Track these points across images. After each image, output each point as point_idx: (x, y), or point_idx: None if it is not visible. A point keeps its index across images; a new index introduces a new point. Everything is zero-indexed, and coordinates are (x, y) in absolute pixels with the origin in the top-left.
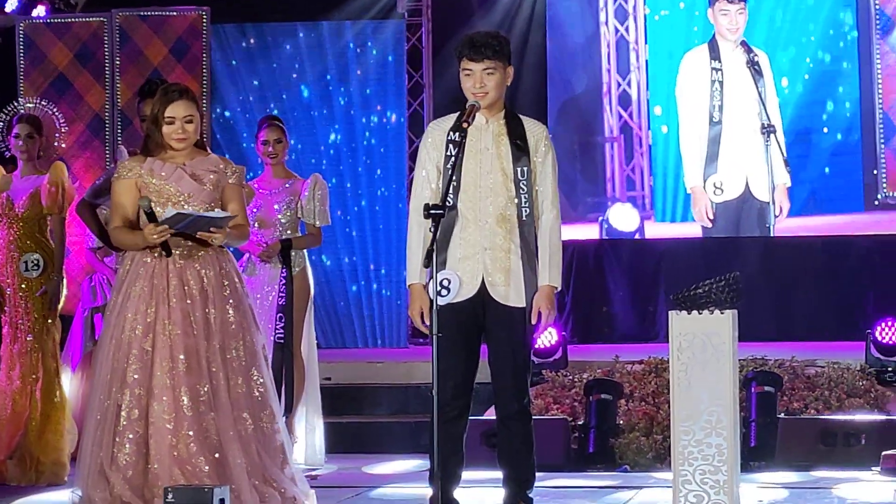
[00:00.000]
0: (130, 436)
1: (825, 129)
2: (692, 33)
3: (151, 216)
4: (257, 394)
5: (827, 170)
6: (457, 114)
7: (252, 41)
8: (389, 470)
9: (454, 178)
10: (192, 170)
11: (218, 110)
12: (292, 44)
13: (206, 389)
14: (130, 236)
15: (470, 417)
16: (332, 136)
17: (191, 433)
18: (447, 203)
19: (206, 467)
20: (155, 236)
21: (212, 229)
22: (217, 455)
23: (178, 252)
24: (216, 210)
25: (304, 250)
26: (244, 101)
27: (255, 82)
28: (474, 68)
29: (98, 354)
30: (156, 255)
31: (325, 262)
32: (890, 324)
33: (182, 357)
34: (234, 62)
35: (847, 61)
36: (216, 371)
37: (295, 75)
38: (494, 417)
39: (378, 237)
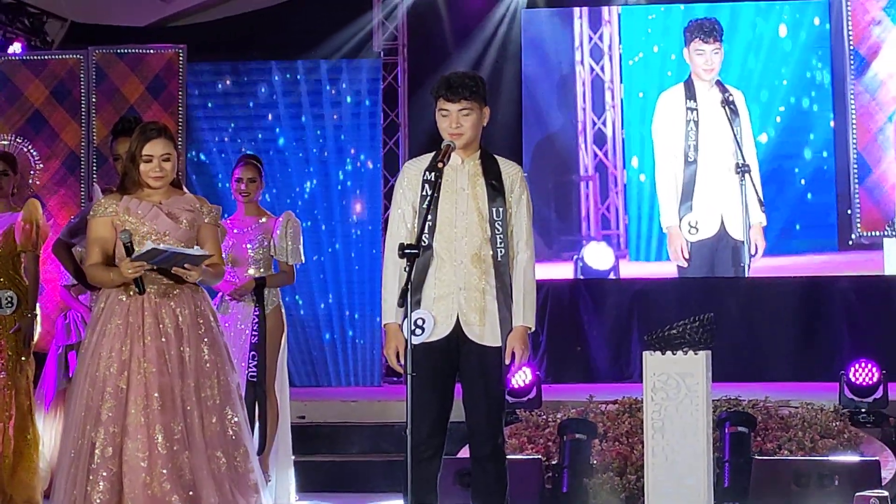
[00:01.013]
0: (104, 473)
1: (799, 169)
2: (667, 75)
3: (130, 250)
4: (231, 432)
5: (801, 209)
6: (432, 153)
7: (228, 82)
8: None
9: (430, 217)
10: (169, 208)
11: (193, 153)
12: (268, 83)
13: (180, 428)
14: (106, 273)
15: (444, 456)
16: (308, 184)
17: (164, 471)
18: (422, 243)
19: None
20: (130, 271)
21: (187, 266)
22: (191, 493)
23: (153, 290)
24: (195, 248)
25: (278, 288)
26: (220, 141)
27: (231, 125)
28: (451, 109)
29: (72, 392)
30: (131, 293)
31: (299, 301)
32: (864, 365)
33: (157, 395)
34: (209, 104)
35: (820, 103)
36: (190, 409)
37: (270, 116)
38: (468, 456)
39: (352, 278)
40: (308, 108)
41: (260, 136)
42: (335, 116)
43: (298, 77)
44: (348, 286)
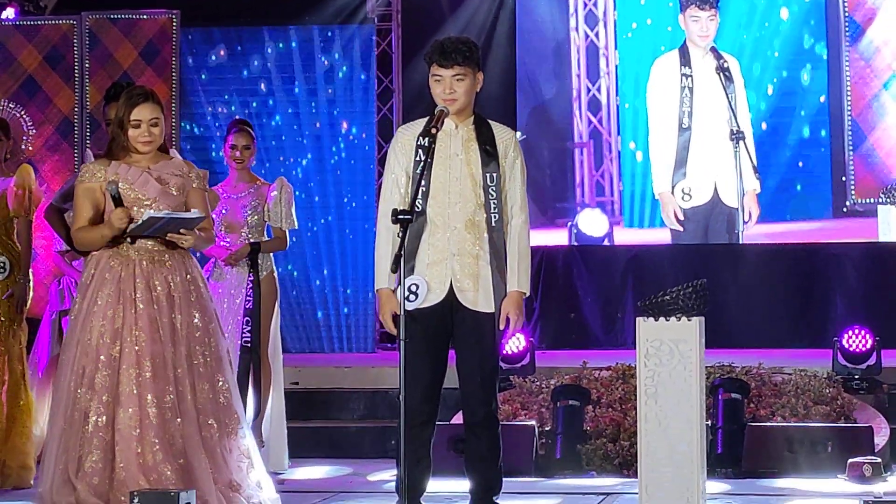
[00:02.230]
0: (97, 442)
1: (793, 136)
2: (661, 42)
3: (118, 201)
4: (223, 399)
5: (795, 176)
6: (425, 119)
7: (222, 53)
8: (356, 475)
9: (423, 183)
10: (158, 174)
11: (186, 123)
12: (260, 50)
13: (171, 396)
14: (95, 232)
15: (437, 423)
16: (303, 159)
17: (156, 441)
18: (416, 208)
19: (171, 474)
20: (122, 218)
21: (182, 231)
22: (182, 461)
23: (145, 257)
24: (192, 211)
25: (271, 254)
26: (213, 113)
27: (225, 96)
28: (444, 74)
29: (63, 360)
30: (122, 253)
31: (291, 269)
32: (857, 331)
33: (148, 364)
34: (203, 76)
35: (816, 67)
36: (182, 377)
37: (263, 85)
38: (462, 423)
39: (345, 244)
40: (301, 76)
41: (254, 104)
42: (328, 85)
43: (291, 44)
44: (341, 252)
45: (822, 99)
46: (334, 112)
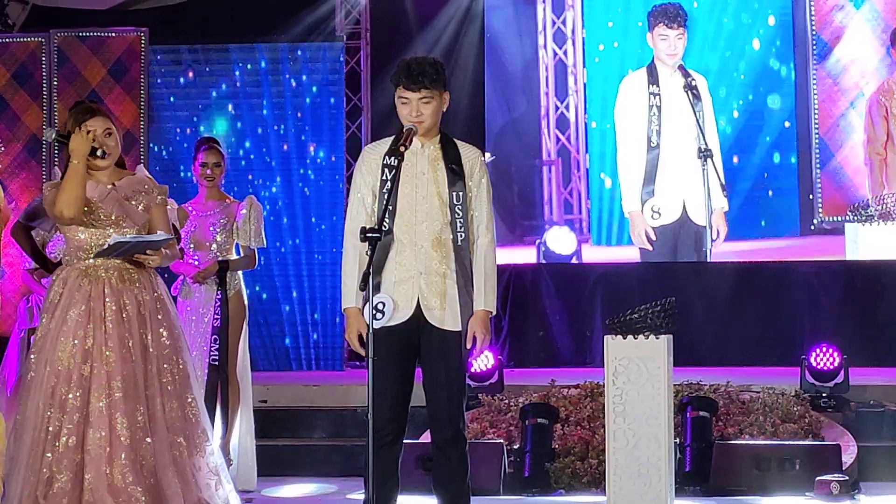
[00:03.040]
0: (66, 462)
1: (760, 155)
2: (630, 58)
3: (63, 138)
4: (191, 416)
5: (763, 195)
6: (391, 137)
7: (190, 74)
8: (325, 493)
9: (390, 202)
10: (123, 192)
11: (154, 145)
12: (228, 72)
13: (142, 415)
14: (64, 181)
15: (405, 441)
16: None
17: (126, 462)
18: (383, 227)
19: (141, 497)
20: (79, 139)
21: (148, 252)
22: (152, 480)
23: (114, 275)
24: (158, 233)
25: (240, 273)
26: (182, 133)
27: (194, 118)
28: (411, 97)
29: (30, 380)
30: (90, 274)
31: (258, 288)
32: (825, 349)
33: (118, 383)
34: (171, 98)
35: (783, 86)
36: (152, 395)
37: (230, 107)
38: (430, 441)
39: (313, 265)
40: (269, 97)
41: (223, 126)
42: (296, 106)
43: (260, 64)
44: (309, 271)
45: (788, 121)
46: (302, 135)
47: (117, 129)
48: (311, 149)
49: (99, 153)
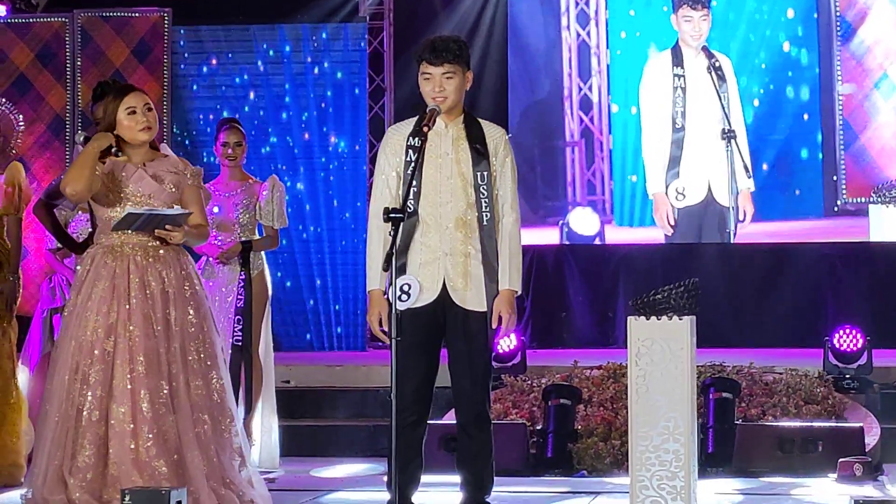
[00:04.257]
0: (90, 437)
1: (785, 136)
2: (654, 39)
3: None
4: (216, 396)
5: (787, 176)
6: (415, 118)
7: (213, 62)
8: (347, 473)
9: (414, 183)
10: (153, 170)
11: (177, 129)
12: (250, 59)
13: (165, 391)
14: (80, 156)
15: (429, 422)
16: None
17: (150, 436)
18: (408, 208)
19: (165, 470)
20: (104, 135)
21: (168, 227)
22: (176, 457)
23: (139, 252)
24: (174, 207)
25: (262, 253)
26: (205, 119)
27: (217, 105)
28: (434, 72)
29: (57, 355)
30: (115, 251)
31: (280, 270)
32: (848, 331)
33: (142, 359)
34: (195, 87)
35: (808, 68)
36: (176, 373)
37: (252, 92)
38: (453, 422)
39: (335, 239)
40: (290, 76)
41: (246, 108)
42: (319, 83)
43: (282, 44)
44: (331, 252)
45: (811, 102)
46: (324, 116)
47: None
48: (334, 133)
49: (114, 152)
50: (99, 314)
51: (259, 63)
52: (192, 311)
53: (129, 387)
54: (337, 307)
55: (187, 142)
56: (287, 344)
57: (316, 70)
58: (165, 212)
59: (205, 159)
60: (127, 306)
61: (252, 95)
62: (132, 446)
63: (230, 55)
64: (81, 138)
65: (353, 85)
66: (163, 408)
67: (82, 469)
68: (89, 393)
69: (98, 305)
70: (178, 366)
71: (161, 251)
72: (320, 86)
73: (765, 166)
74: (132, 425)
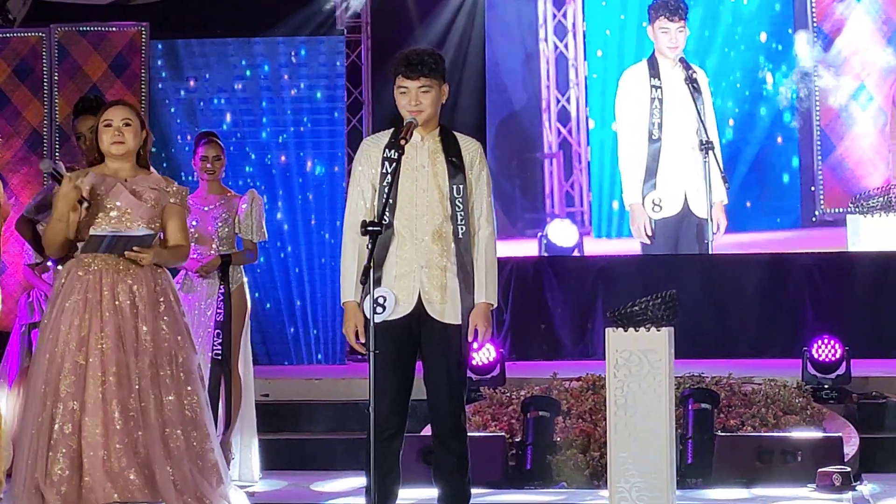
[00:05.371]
0: (64, 450)
1: (762, 147)
2: (631, 51)
3: (57, 177)
4: (189, 412)
5: (765, 186)
6: (390, 130)
7: (192, 83)
8: (326, 488)
9: (390, 195)
10: (133, 186)
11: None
12: (227, 64)
13: (134, 404)
14: (51, 221)
15: (406, 434)
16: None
17: (120, 447)
18: (384, 221)
19: (136, 479)
20: (68, 186)
21: (136, 249)
22: (146, 471)
23: (111, 267)
24: (138, 227)
25: (242, 267)
26: (182, 140)
27: (194, 116)
28: (410, 86)
29: (33, 369)
30: (86, 265)
31: (260, 280)
32: (826, 341)
33: (113, 370)
34: (172, 110)
35: (786, 79)
36: (145, 389)
37: (229, 103)
38: (431, 434)
39: (313, 264)
40: (268, 90)
41: (224, 126)
42: (296, 97)
43: (259, 58)
44: (309, 265)
45: (789, 113)
46: (301, 128)
47: (143, 128)
48: (312, 139)
49: (84, 206)
50: (71, 327)
51: (235, 73)
52: (165, 327)
53: (100, 398)
54: (316, 327)
55: (163, 153)
56: (265, 358)
57: (293, 78)
58: (130, 233)
59: (183, 176)
60: (99, 319)
61: (228, 105)
62: (104, 457)
63: (207, 74)
64: (45, 166)
65: (331, 99)
66: (132, 421)
67: (57, 483)
68: (61, 405)
69: (70, 318)
70: (148, 381)
71: (131, 268)
72: (297, 99)
73: (742, 177)
74: (104, 437)
